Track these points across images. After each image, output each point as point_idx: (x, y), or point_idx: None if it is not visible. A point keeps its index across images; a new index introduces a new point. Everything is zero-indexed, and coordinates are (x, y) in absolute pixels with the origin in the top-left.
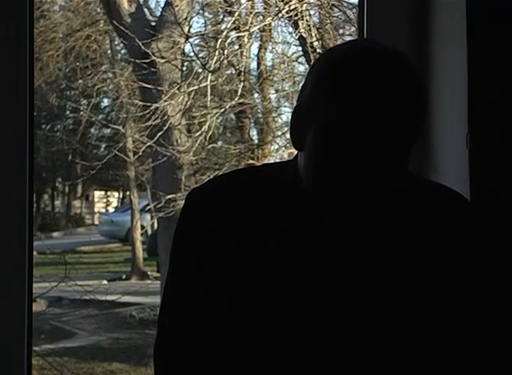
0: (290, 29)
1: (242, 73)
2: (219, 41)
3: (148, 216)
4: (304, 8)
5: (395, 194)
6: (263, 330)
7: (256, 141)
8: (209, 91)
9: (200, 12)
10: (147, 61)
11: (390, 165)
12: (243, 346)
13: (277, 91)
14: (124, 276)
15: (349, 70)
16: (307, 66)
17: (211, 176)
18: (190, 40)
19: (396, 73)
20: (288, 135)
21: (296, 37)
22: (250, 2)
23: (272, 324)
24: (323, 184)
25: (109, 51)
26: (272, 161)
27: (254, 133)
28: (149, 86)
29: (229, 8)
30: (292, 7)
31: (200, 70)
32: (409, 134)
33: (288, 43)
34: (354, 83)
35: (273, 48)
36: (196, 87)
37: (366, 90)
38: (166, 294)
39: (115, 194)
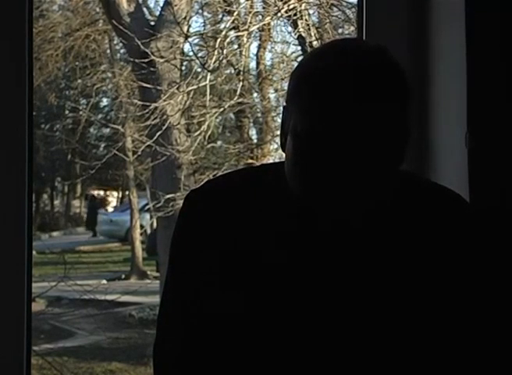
0: (289, 28)
1: (241, 73)
2: (218, 40)
3: (147, 216)
4: (303, 7)
5: (391, 195)
6: (262, 330)
7: (255, 141)
8: (208, 90)
9: (200, 11)
10: (146, 60)
11: (367, 165)
12: (243, 346)
13: (276, 90)
14: (123, 276)
15: (318, 73)
16: None
17: (211, 176)
18: (190, 39)
19: (368, 72)
20: None
21: (296, 37)
22: (249, 2)
23: (271, 324)
24: (300, 186)
25: (108, 51)
26: (271, 160)
27: (253, 132)
28: (148, 85)
29: (228, 8)
30: (291, 6)
31: (199, 70)
32: (385, 134)
33: (287, 42)
34: (323, 85)
35: (272, 48)
36: (195, 87)
37: (335, 91)
38: (165, 294)
39: (115, 193)
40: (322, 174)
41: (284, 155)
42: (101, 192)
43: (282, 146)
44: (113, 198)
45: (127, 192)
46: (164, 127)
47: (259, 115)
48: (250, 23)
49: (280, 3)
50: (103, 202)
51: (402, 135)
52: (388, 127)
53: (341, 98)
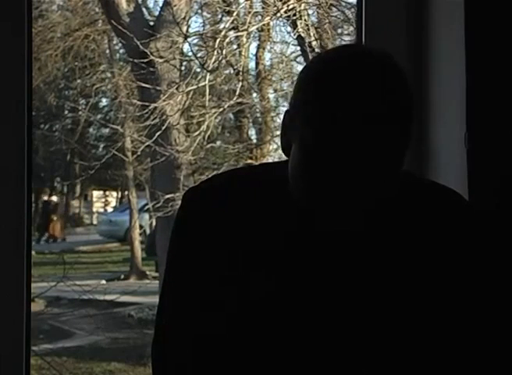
0: (289, 28)
1: (240, 73)
2: (218, 40)
3: (147, 216)
4: (302, 7)
5: (392, 196)
6: (261, 329)
7: (254, 141)
8: (207, 90)
9: (199, 11)
10: (145, 60)
11: (371, 178)
12: (241, 345)
13: (275, 90)
14: (123, 276)
15: (324, 87)
16: None
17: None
18: (189, 39)
19: (375, 92)
20: None
21: (295, 37)
22: (248, 2)
23: (270, 324)
24: (304, 198)
25: (108, 51)
26: (270, 161)
27: (252, 132)
28: (147, 85)
29: (227, 8)
30: (290, 7)
31: (198, 70)
32: (389, 150)
33: (286, 42)
34: (329, 101)
35: (271, 48)
36: (194, 87)
37: (342, 109)
38: (163, 293)
39: (114, 193)
40: (326, 187)
41: (283, 156)
42: (54, 198)
43: (284, 150)
44: (112, 198)
45: (126, 192)
46: (163, 127)
47: (258, 115)
48: (250, 23)
49: (279, 3)
50: (55, 208)
51: (404, 148)
52: (392, 145)
53: (347, 118)
